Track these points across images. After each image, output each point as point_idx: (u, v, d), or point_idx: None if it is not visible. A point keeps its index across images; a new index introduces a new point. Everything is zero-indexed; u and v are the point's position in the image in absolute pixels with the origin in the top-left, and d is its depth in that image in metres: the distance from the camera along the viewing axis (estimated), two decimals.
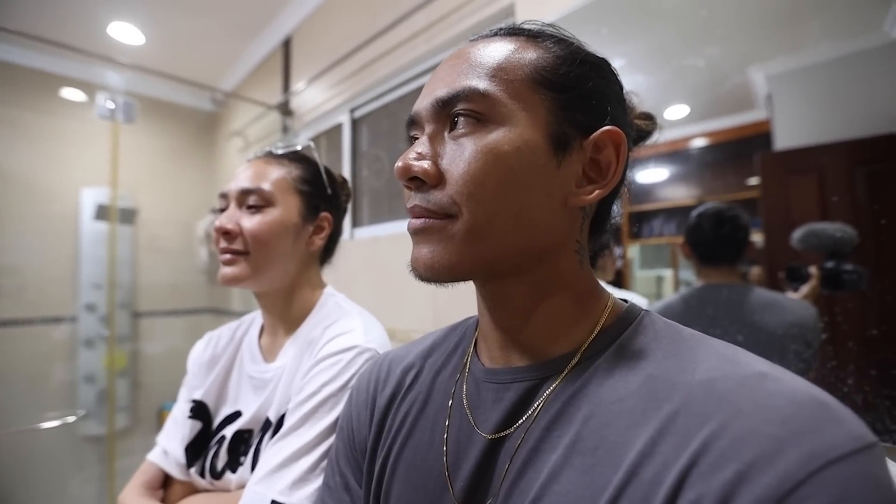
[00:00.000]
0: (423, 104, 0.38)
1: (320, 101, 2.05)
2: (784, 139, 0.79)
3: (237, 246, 0.67)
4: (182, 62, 2.58)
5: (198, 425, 0.71)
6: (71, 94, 2.37)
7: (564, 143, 0.35)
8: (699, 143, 0.91)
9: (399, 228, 1.67)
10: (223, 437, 0.68)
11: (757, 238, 0.83)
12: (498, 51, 0.36)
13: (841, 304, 0.73)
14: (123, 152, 2.18)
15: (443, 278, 0.35)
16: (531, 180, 0.34)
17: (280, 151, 0.75)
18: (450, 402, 0.42)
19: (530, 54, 0.36)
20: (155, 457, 0.73)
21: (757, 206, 0.83)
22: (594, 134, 0.36)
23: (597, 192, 0.36)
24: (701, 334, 0.34)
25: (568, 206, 0.36)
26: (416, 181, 0.36)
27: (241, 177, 0.70)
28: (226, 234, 0.67)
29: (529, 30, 0.39)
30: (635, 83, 0.96)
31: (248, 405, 0.69)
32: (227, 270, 0.67)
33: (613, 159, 0.36)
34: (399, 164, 0.36)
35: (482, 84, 0.34)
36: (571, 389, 0.34)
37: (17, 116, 2.21)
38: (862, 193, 0.72)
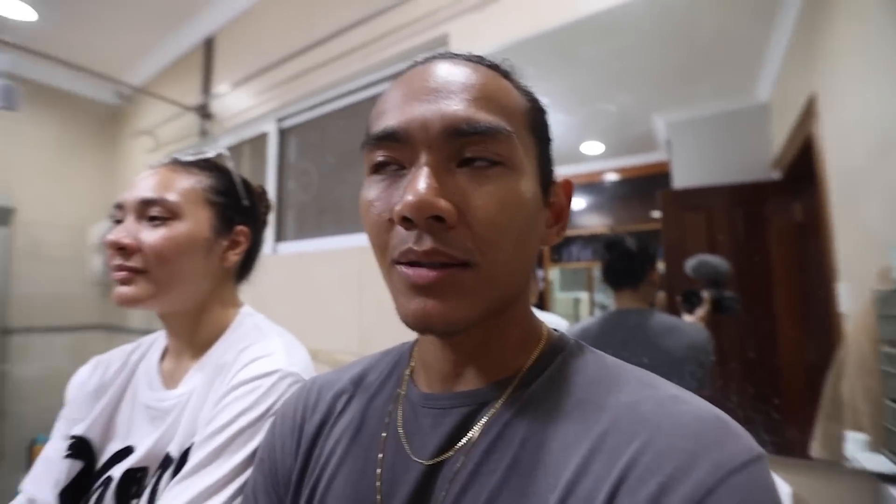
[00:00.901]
0: (420, 124, 0.32)
1: (245, 107, 1.95)
2: (680, 179, 0.90)
3: (134, 263, 0.60)
4: (83, 48, 2.31)
5: (77, 465, 0.62)
6: None
7: (547, 189, 0.38)
8: (611, 177, 1.00)
9: (326, 245, 1.62)
10: (109, 479, 0.59)
11: (659, 265, 0.93)
12: (499, 85, 0.35)
13: (725, 330, 0.84)
14: (1, 141, 1.89)
15: (457, 331, 0.33)
16: (535, 227, 0.36)
17: (189, 158, 0.68)
18: (384, 429, 0.41)
19: (519, 96, 0.36)
20: None
21: (659, 236, 0.93)
22: (555, 184, 0.39)
23: (561, 234, 0.40)
24: (621, 362, 0.38)
25: (541, 243, 0.39)
26: (431, 220, 0.30)
27: (141, 185, 0.63)
28: (121, 249, 0.59)
29: (505, 68, 0.38)
30: (556, 121, 1.04)
31: (143, 439, 0.61)
32: (121, 290, 0.60)
33: (565, 204, 0.40)
34: (412, 198, 0.30)
35: (505, 124, 0.32)
36: (510, 413, 0.35)
37: None
38: (741, 231, 0.83)
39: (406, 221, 0.31)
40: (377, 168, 0.35)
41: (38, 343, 2.31)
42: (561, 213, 0.40)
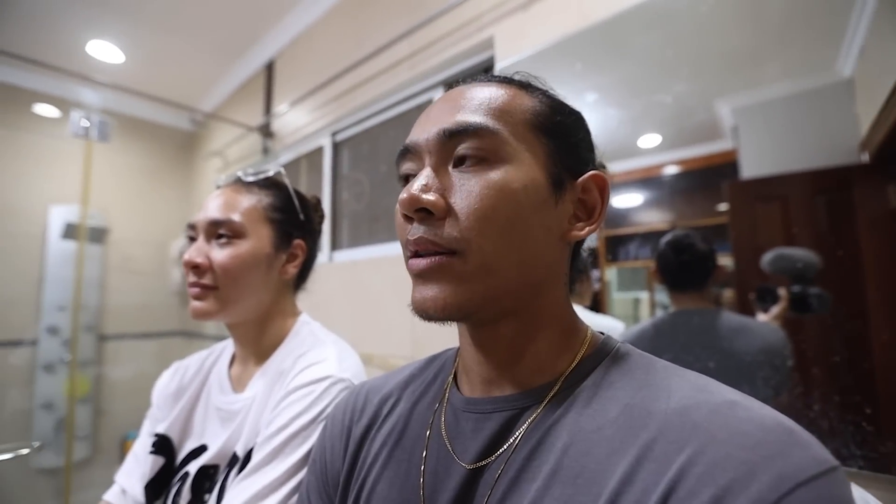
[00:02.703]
0: (423, 135, 0.37)
1: (302, 123, 2.06)
2: (750, 168, 0.83)
3: (206, 280, 0.65)
4: (162, 81, 2.57)
5: (160, 461, 0.67)
6: (44, 110, 2.32)
7: (560, 183, 0.38)
8: (671, 170, 0.94)
9: (378, 252, 1.66)
10: (187, 474, 0.64)
11: (727, 261, 0.86)
12: (497, 94, 0.38)
13: (805, 332, 0.76)
14: (96, 171, 2.12)
15: (453, 317, 0.35)
16: (534, 216, 0.36)
17: (250, 179, 0.73)
18: (427, 433, 0.41)
19: (527, 101, 0.38)
20: (112, 496, 0.68)
21: (726, 230, 0.86)
22: (582, 177, 0.39)
23: (587, 228, 0.39)
24: (673, 365, 0.35)
25: (562, 240, 0.38)
26: (422, 213, 0.35)
27: (209, 207, 0.68)
28: (195, 268, 0.64)
29: (519, 80, 0.41)
30: (608, 116, 1.00)
31: (215, 439, 0.65)
32: (196, 305, 0.65)
33: (598, 200, 0.40)
34: (404, 195, 0.35)
35: (490, 122, 0.36)
36: (551, 419, 0.34)
37: None
38: (822, 221, 0.75)
39: (406, 217, 0.36)
40: (404, 180, 0.40)
41: (128, 348, 2.55)
42: (594, 208, 0.40)
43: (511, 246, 0.35)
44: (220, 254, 0.65)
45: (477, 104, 0.37)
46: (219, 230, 0.66)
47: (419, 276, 0.36)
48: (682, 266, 0.91)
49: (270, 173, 0.75)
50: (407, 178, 0.39)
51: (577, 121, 0.41)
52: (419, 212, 0.35)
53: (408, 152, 0.39)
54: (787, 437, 0.26)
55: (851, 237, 0.72)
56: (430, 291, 0.35)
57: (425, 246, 0.35)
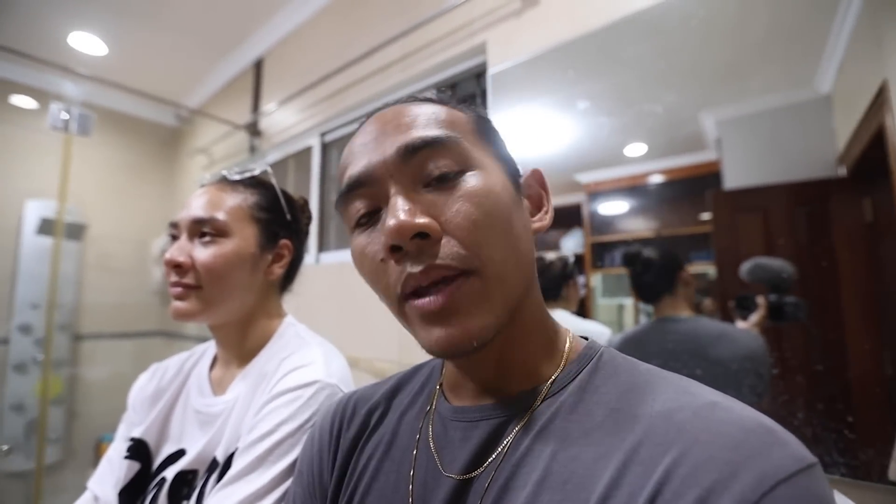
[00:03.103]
0: (378, 158, 0.34)
1: (290, 123, 2.04)
2: (732, 179, 0.85)
3: (189, 280, 0.63)
4: (146, 75, 2.51)
5: (135, 466, 0.65)
6: (22, 101, 2.26)
7: (517, 183, 0.39)
8: (656, 179, 0.96)
9: None
10: (163, 480, 0.62)
11: (710, 270, 0.88)
12: (436, 109, 0.37)
13: (788, 340, 0.78)
14: (75, 165, 2.07)
15: (485, 342, 0.32)
16: (515, 215, 0.36)
17: (235, 177, 0.71)
18: (416, 444, 0.41)
19: (459, 113, 0.39)
20: (84, 503, 0.66)
21: (709, 239, 0.88)
22: (525, 175, 0.42)
23: (547, 218, 0.41)
24: (657, 368, 0.36)
25: (531, 235, 0.39)
26: (416, 241, 0.32)
27: (193, 205, 0.66)
28: (177, 266, 0.63)
29: (440, 97, 0.41)
30: (599, 124, 1.01)
31: (194, 443, 0.63)
32: (177, 305, 0.63)
33: (542, 192, 0.42)
34: (392, 221, 0.31)
35: (450, 133, 0.35)
36: (538, 425, 0.35)
37: None
38: (802, 233, 0.78)
39: (395, 251, 0.32)
40: (358, 223, 0.36)
41: (105, 348, 2.48)
42: (541, 200, 0.42)
43: (511, 249, 0.34)
44: (203, 253, 0.64)
45: (426, 119, 0.35)
46: (202, 229, 0.65)
47: (438, 315, 0.32)
48: (637, 276, 0.95)
49: (257, 172, 0.73)
50: (359, 221, 0.36)
51: (493, 126, 0.43)
52: (414, 239, 0.31)
53: (359, 186, 0.35)
54: (767, 436, 0.27)
55: (829, 249, 0.75)
56: (458, 326, 0.31)
57: (441, 273, 0.31)
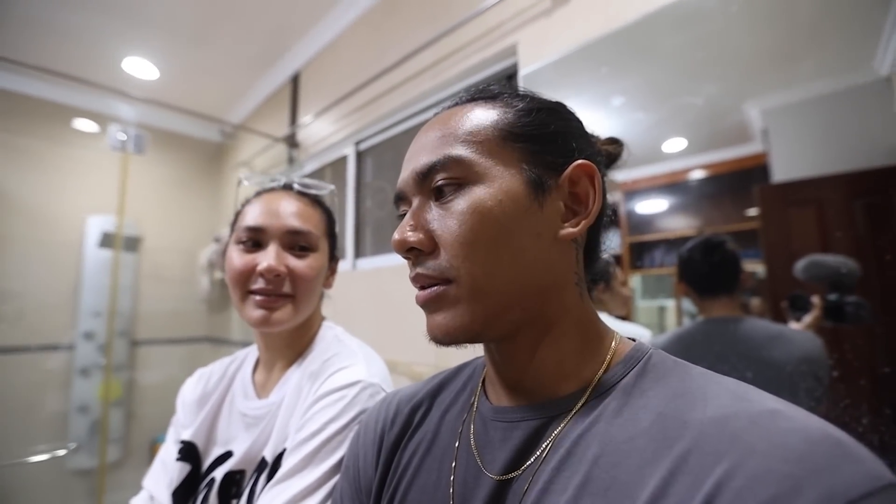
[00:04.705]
0: (404, 179, 0.40)
1: (326, 133, 2.10)
2: (781, 171, 0.80)
3: (287, 289, 0.65)
4: (193, 95, 2.67)
5: (186, 468, 0.68)
6: (83, 125, 2.44)
7: (541, 184, 0.37)
8: (698, 174, 0.92)
9: (401, 259, 1.67)
10: (213, 480, 0.64)
11: (758, 268, 0.83)
12: (464, 117, 0.39)
13: (850, 341, 0.72)
14: (132, 182, 2.22)
15: (461, 340, 0.37)
16: (518, 226, 0.36)
17: (314, 192, 0.74)
18: (457, 442, 0.41)
19: (493, 114, 0.39)
20: (140, 501, 0.69)
21: (757, 236, 0.83)
22: (567, 170, 0.38)
23: (583, 222, 0.38)
24: (710, 372, 0.34)
25: (559, 241, 0.37)
26: (414, 252, 0.38)
27: (283, 213, 0.66)
28: (276, 276, 0.63)
29: (489, 92, 0.42)
30: (635, 120, 0.99)
31: (240, 444, 0.66)
32: (273, 315, 0.64)
33: (590, 189, 0.38)
34: (396, 236, 0.38)
35: (455, 151, 0.37)
36: (580, 428, 0.34)
37: (29, 145, 2.26)
38: (862, 226, 0.72)
39: (405, 256, 0.39)
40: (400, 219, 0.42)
41: (158, 353, 2.62)
42: (586, 200, 0.38)
43: (500, 262, 0.35)
44: (300, 264, 0.66)
45: (441, 136, 0.39)
46: (299, 241, 0.67)
47: (424, 308, 0.38)
48: (713, 268, 0.88)
49: (325, 192, 0.76)
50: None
51: (552, 112, 0.40)
52: (410, 251, 0.38)
53: (400, 198, 0.42)
54: (835, 449, 0.24)
55: (892, 242, 0.69)
56: (434, 320, 0.37)
57: (422, 281, 0.38)
